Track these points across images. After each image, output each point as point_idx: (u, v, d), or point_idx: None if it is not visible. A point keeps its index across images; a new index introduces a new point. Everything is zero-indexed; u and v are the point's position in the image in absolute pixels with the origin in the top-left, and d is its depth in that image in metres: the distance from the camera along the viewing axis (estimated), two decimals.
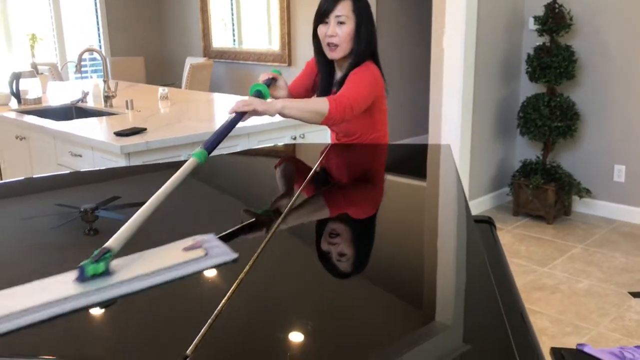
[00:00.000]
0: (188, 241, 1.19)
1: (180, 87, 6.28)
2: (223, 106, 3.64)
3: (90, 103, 3.70)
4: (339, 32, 1.99)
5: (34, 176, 1.96)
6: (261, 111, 1.78)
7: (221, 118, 3.20)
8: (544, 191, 3.99)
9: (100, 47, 6.76)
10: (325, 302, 1.05)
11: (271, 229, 1.33)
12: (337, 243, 1.32)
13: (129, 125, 2.87)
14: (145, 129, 2.72)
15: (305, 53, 5.74)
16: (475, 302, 1.03)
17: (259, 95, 1.95)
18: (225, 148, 2.88)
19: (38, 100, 3.66)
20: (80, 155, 2.79)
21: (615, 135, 4.00)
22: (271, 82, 2.11)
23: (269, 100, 1.91)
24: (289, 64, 5.97)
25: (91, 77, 6.57)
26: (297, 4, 5.77)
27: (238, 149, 2.91)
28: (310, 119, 1.91)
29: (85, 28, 6.73)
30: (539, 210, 4.07)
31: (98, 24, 6.75)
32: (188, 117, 3.19)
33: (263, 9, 6.18)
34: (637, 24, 3.79)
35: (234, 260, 1.13)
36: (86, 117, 3.41)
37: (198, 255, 1.13)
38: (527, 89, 4.27)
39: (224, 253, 1.15)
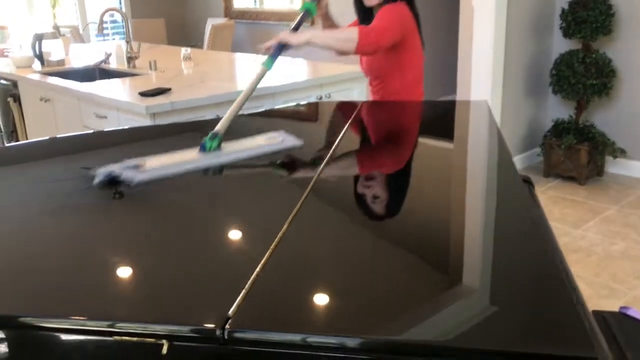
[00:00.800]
0: (268, 134, 1.62)
1: (202, 48, 6.20)
2: (246, 66, 3.57)
3: (113, 64, 3.65)
4: None
5: (58, 136, 1.92)
6: (293, 43, 1.86)
7: (245, 77, 3.14)
8: (577, 151, 3.87)
9: (121, 8, 6.68)
10: (363, 262, 1.00)
11: (307, 187, 1.28)
12: (378, 200, 1.27)
13: (153, 86, 2.82)
14: (169, 89, 2.67)
15: (332, 11, 5.59)
16: (527, 264, 0.97)
17: (308, 13, 2.01)
18: (249, 109, 2.82)
19: (61, 62, 3.62)
20: (106, 117, 2.76)
21: None
22: (319, 3, 2.10)
23: (299, 32, 1.93)
24: (312, 23, 5.84)
25: (113, 38, 6.51)
26: None
27: (262, 109, 2.86)
28: (341, 47, 2.01)
29: None
30: (571, 171, 3.96)
31: None
32: (211, 77, 3.13)
33: None
34: None
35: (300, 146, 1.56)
36: (109, 78, 3.37)
37: (276, 141, 1.57)
38: (560, 45, 4.10)
39: (293, 141, 1.59)
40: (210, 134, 1.51)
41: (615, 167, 4.09)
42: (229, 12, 6.66)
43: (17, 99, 3.48)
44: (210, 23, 6.18)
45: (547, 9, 4.10)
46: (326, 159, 1.49)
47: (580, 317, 0.79)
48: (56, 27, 3.72)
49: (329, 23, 2.25)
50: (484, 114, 1.89)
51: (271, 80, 2.91)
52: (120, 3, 6.71)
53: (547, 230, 1.47)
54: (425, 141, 1.83)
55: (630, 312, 1.70)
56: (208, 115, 2.63)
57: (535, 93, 4.25)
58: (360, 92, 3.26)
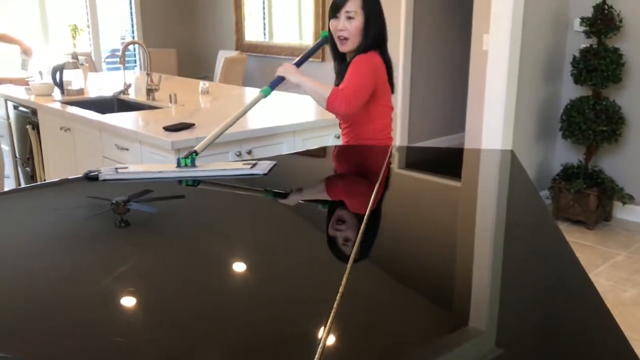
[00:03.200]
0: (242, 162, 1.77)
1: (212, 79, 6.28)
2: (264, 102, 3.61)
3: (132, 95, 3.70)
4: (348, 26, 2.14)
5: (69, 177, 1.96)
6: (289, 80, 2.18)
7: (265, 115, 3.18)
8: (586, 196, 3.92)
9: (133, 37, 6.78)
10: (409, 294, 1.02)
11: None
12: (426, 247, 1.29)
13: (174, 119, 2.86)
14: (193, 125, 2.71)
15: None
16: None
17: (324, 40, 2.33)
18: (270, 145, 2.86)
19: (80, 92, 3.66)
20: (127, 149, 2.78)
21: None
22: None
23: (300, 72, 2.22)
24: (322, 59, 5.94)
25: (126, 68, 6.58)
26: None
27: (283, 147, 2.90)
28: (317, 101, 2.15)
29: (119, 19, 6.75)
30: (580, 215, 4.00)
31: (132, 15, 6.77)
32: (232, 113, 3.16)
33: (295, 3, 6.14)
34: None
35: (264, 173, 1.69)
36: (128, 109, 3.41)
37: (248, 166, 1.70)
38: (570, 91, 4.18)
39: (263, 168, 1.71)
40: (187, 152, 1.71)
41: (623, 212, 4.13)
42: (240, 45, 6.77)
43: (35, 126, 3.51)
44: (221, 55, 6.27)
45: (558, 56, 4.19)
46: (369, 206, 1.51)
47: None
48: (75, 56, 3.78)
49: None
50: (516, 164, 1.93)
51: (291, 118, 2.96)
52: (133, 32, 6.81)
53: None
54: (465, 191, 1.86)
55: None
56: (231, 151, 2.66)
57: (545, 137, 4.31)
58: None
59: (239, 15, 6.70)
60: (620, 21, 3.79)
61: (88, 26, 6.38)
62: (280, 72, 2.15)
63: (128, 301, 1.07)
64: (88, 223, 1.42)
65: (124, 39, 6.83)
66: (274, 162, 1.78)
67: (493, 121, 3.95)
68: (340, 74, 2.25)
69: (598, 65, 3.76)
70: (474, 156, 2.38)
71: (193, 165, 1.68)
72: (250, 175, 1.67)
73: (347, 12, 2.12)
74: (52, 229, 1.41)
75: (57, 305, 1.05)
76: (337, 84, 2.22)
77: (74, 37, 4.66)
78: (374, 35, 2.15)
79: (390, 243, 1.33)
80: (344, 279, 1.08)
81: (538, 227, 1.46)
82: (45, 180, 3.58)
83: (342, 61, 2.28)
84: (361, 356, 0.90)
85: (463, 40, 5.35)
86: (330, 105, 2.08)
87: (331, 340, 0.90)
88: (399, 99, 5.52)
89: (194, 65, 7.23)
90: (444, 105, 6.03)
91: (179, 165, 1.68)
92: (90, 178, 1.62)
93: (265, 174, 1.67)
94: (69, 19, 6.11)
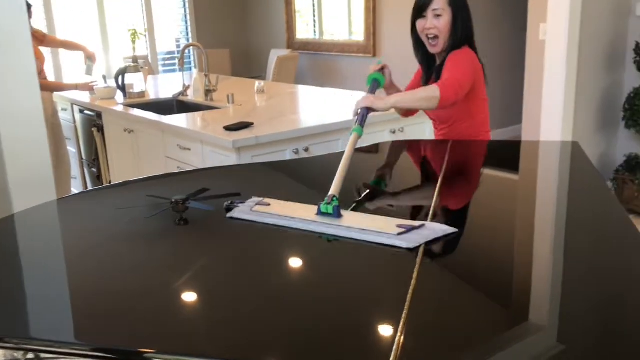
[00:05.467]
0: (404, 221, 1.35)
1: (265, 78, 6.37)
2: (318, 99, 3.66)
3: (190, 97, 3.80)
4: (437, 24, 2.09)
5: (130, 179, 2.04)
6: (380, 109, 1.96)
7: (320, 112, 3.21)
8: None
9: (187, 39, 6.94)
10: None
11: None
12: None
13: (232, 119, 2.92)
14: (252, 124, 2.76)
15: (392, 43, 5.67)
16: None
17: (377, 83, 2.15)
18: (326, 142, 2.89)
19: (142, 94, 3.79)
20: (189, 149, 2.87)
21: None
22: (382, 71, 2.21)
23: (383, 97, 2.04)
24: (374, 55, 5.93)
25: (181, 69, 6.75)
26: None
27: (339, 143, 2.92)
28: (425, 105, 2.04)
29: (173, 21, 6.93)
30: None
31: (186, 17, 6.93)
32: (288, 111, 3.22)
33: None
34: None
35: (409, 249, 1.22)
36: (187, 110, 3.51)
37: (399, 232, 1.28)
38: (633, 79, 4.04)
39: (414, 240, 1.25)
40: (326, 198, 1.43)
41: None
42: (291, 43, 6.83)
43: (100, 129, 3.66)
44: (274, 54, 6.34)
45: (619, 43, 4.05)
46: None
47: None
48: (135, 60, 3.90)
49: (394, 90, 2.26)
50: (582, 156, 1.89)
51: (346, 114, 2.99)
52: (188, 34, 6.97)
53: None
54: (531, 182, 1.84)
55: None
56: (289, 149, 2.71)
57: (606, 127, 4.18)
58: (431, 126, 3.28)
59: (290, 14, 6.76)
60: None
61: (145, 30, 6.57)
62: (363, 104, 1.93)
63: (187, 296, 1.12)
64: (149, 221, 1.48)
65: (179, 41, 7.00)
66: (441, 231, 1.30)
67: (552, 112, 3.86)
68: (429, 77, 2.21)
69: None
70: (534, 148, 2.34)
71: (337, 215, 1.38)
72: (394, 247, 1.25)
73: (435, 9, 2.08)
74: (115, 228, 1.49)
75: (122, 301, 1.11)
76: (426, 84, 2.17)
77: (133, 42, 4.81)
78: (463, 30, 2.11)
79: (455, 240, 1.34)
80: (415, 274, 1.10)
81: (607, 220, 1.44)
82: (110, 181, 3.73)
83: (429, 66, 2.23)
84: (434, 353, 0.92)
85: (517, 30, 5.24)
86: (444, 96, 1.96)
87: (405, 338, 0.92)
88: None
89: (247, 64, 7.34)
90: (501, 96, 5.92)
91: (319, 213, 1.40)
92: (227, 209, 1.50)
93: (411, 249, 1.23)
94: (127, 23, 6.31)
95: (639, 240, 1.24)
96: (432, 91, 1.97)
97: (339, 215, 1.38)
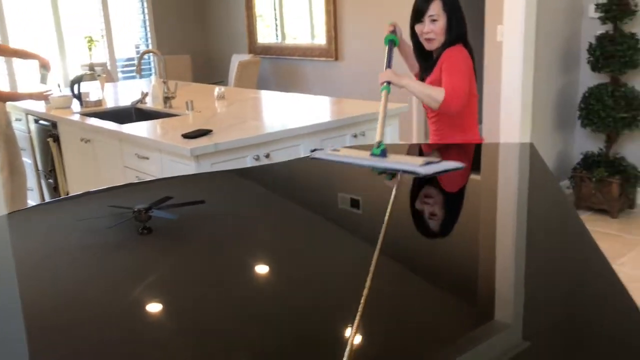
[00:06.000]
0: (428, 158, 1.81)
1: (227, 84, 6.32)
2: (280, 104, 3.64)
3: (149, 104, 3.73)
4: (434, 28, 2.34)
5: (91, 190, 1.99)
6: (395, 82, 2.25)
7: (281, 117, 3.19)
8: (608, 184, 3.88)
9: (147, 46, 6.84)
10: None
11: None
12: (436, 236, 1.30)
13: (192, 126, 2.88)
14: (211, 131, 2.73)
15: (354, 46, 5.69)
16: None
17: (392, 43, 2.41)
18: (288, 148, 2.88)
19: (98, 103, 3.71)
20: (148, 158, 2.82)
21: None
22: (394, 32, 2.44)
23: (400, 75, 2.31)
24: (336, 59, 5.94)
25: (140, 76, 6.65)
26: None
27: (300, 148, 2.91)
28: (427, 102, 2.32)
29: (132, 27, 6.82)
30: (602, 203, 3.95)
31: (145, 22, 6.83)
32: (249, 117, 3.19)
33: (306, 3, 6.14)
34: None
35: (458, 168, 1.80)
36: (146, 118, 3.45)
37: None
38: (587, 78, 4.14)
39: (448, 165, 1.78)
40: (375, 144, 1.87)
41: None
42: (253, 47, 6.80)
43: (56, 139, 3.57)
44: (235, 59, 6.30)
45: (574, 43, 4.15)
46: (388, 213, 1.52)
47: None
48: (92, 67, 3.82)
49: (406, 46, 2.56)
50: (535, 157, 1.92)
51: (307, 119, 2.97)
52: (147, 40, 6.87)
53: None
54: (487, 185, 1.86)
55: None
56: (249, 155, 2.68)
57: (564, 126, 4.27)
58: (393, 129, 3.30)
59: (251, 18, 6.73)
60: (636, 6, 3.74)
61: (103, 37, 6.45)
62: (383, 78, 2.25)
63: (153, 307, 1.09)
64: (111, 232, 1.44)
65: (138, 47, 6.89)
66: (455, 165, 1.82)
67: (511, 113, 3.93)
68: (427, 70, 2.45)
69: (615, 52, 3.72)
70: (492, 150, 2.37)
71: (384, 155, 1.84)
72: (413, 174, 1.76)
73: (431, 15, 2.32)
74: (75, 241, 1.44)
75: (84, 313, 1.07)
76: (422, 79, 2.46)
77: (90, 49, 4.72)
78: (457, 30, 2.35)
79: (411, 240, 1.34)
80: (369, 279, 1.09)
81: (559, 220, 1.46)
82: (68, 193, 3.64)
83: (426, 59, 2.48)
84: (388, 355, 0.91)
85: (475, 32, 5.31)
86: (446, 107, 2.25)
87: (358, 340, 0.91)
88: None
89: (209, 70, 7.28)
90: None
91: (372, 154, 1.86)
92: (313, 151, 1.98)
93: (424, 175, 1.74)
94: (84, 29, 6.19)
95: (590, 238, 1.25)
96: (437, 94, 2.25)
97: (385, 156, 1.84)
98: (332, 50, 5.93)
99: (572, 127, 4.32)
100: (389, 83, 2.24)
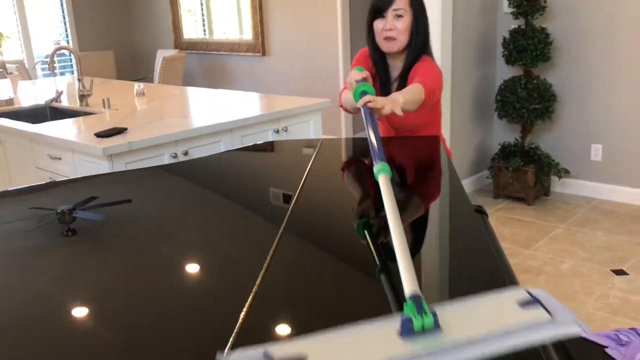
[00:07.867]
0: (520, 293, 0.90)
1: (152, 81, 6.18)
2: (202, 101, 3.59)
3: (64, 102, 3.61)
4: (398, 25, 1.99)
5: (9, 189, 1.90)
6: (390, 111, 1.71)
7: (203, 114, 3.15)
8: (524, 173, 4.04)
9: (67, 42, 6.60)
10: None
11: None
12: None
13: (108, 125, 2.81)
14: (126, 129, 2.67)
15: (280, 41, 5.68)
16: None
17: (366, 93, 1.79)
18: (208, 145, 2.84)
19: (10, 102, 3.55)
20: (60, 158, 2.72)
21: (591, 115, 4.06)
22: (367, 80, 1.96)
23: (393, 99, 1.77)
24: (263, 54, 5.92)
25: (62, 74, 6.40)
26: None
27: (221, 145, 2.88)
28: (413, 108, 1.87)
29: (51, 22, 6.56)
30: (519, 192, 4.12)
31: (64, 17, 6.59)
32: (168, 113, 3.14)
33: None
34: (610, 7, 3.84)
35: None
36: (62, 117, 3.33)
37: (541, 317, 0.84)
38: (503, 71, 4.30)
39: (571, 320, 0.84)
40: (408, 301, 0.85)
41: (561, 186, 4.28)
42: (178, 43, 6.68)
43: None
44: (160, 55, 6.17)
45: (490, 38, 4.29)
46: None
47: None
48: (3, 65, 3.66)
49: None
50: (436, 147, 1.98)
51: (229, 115, 2.95)
52: (67, 36, 6.63)
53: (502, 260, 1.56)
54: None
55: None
56: (166, 153, 2.64)
57: (482, 118, 4.42)
58: (316, 124, 3.32)
59: (176, 13, 6.60)
60: (545, 1, 3.90)
61: (18, 32, 6.18)
62: (368, 104, 1.69)
63: (78, 311, 1.06)
64: (32, 235, 1.38)
65: (58, 43, 6.64)
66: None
67: None
68: (384, 83, 2.11)
69: (527, 45, 3.87)
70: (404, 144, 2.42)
71: (437, 326, 0.82)
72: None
73: (396, 9, 1.98)
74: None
75: (7, 320, 1.03)
76: (385, 94, 1.95)
77: None
78: (423, 33, 2.04)
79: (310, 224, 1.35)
80: (260, 277, 1.10)
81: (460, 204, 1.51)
82: None
83: (385, 68, 2.13)
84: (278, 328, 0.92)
85: None
86: (427, 99, 1.90)
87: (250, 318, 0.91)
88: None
89: (133, 66, 7.10)
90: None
91: (407, 332, 0.82)
92: None
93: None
94: None
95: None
96: (419, 94, 1.87)
97: (439, 326, 0.82)
98: (259, 45, 5.91)
99: (491, 119, 4.47)
100: (371, 114, 1.66)
